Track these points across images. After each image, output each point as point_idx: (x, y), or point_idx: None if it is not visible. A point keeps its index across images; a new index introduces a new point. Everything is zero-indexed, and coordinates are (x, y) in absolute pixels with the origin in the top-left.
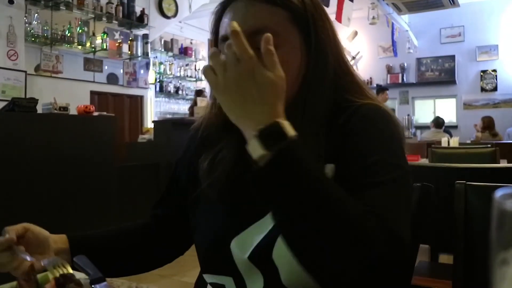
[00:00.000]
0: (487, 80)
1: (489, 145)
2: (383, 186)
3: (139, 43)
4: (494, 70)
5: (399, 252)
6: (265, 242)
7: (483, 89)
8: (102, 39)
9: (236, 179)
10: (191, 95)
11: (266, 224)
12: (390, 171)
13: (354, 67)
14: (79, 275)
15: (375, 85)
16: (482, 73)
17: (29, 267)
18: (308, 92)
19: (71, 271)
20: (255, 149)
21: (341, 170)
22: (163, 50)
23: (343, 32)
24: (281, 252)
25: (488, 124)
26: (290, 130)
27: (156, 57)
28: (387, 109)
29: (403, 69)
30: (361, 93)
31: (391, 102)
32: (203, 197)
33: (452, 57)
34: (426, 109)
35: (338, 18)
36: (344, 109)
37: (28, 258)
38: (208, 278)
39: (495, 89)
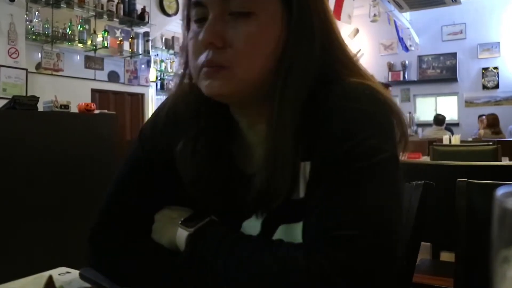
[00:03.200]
0: (489, 78)
1: (491, 143)
2: (348, 184)
3: (140, 41)
4: (496, 68)
5: (379, 263)
6: None
7: (484, 87)
8: (103, 37)
9: (219, 172)
10: None
11: (249, 231)
12: (363, 159)
13: None
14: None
15: None
16: (483, 71)
17: (48, 279)
18: (287, 70)
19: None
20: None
21: (314, 164)
22: (164, 48)
23: (344, 30)
24: None
25: (492, 122)
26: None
27: (157, 55)
28: (379, 89)
29: (404, 66)
30: (351, 69)
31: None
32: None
33: (453, 55)
34: (427, 107)
35: (337, 15)
36: (325, 87)
37: None
38: None
39: (496, 86)
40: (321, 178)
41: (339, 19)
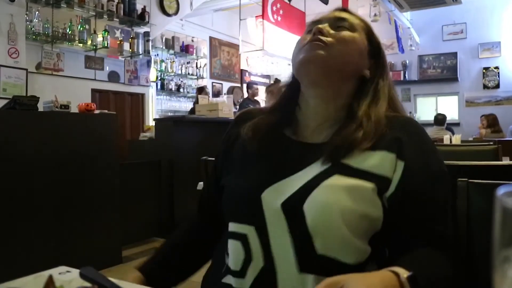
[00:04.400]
0: (489, 77)
1: (492, 143)
2: (442, 200)
3: (140, 41)
4: (497, 67)
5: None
6: (300, 192)
7: (485, 86)
8: (103, 37)
9: (275, 135)
10: (193, 93)
11: (303, 177)
12: (445, 180)
13: None
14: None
15: None
16: (484, 70)
17: (48, 278)
18: (375, 84)
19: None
20: None
21: (409, 175)
22: (164, 47)
23: None
24: (312, 203)
25: (492, 122)
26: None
27: (157, 54)
28: None
29: (405, 66)
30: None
31: None
32: (239, 155)
33: (454, 54)
34: (428, 107)
35: None
36: (391, 119)
37: None
38: (231, 226)
39: (497, 86)
40: (423, 188)
41: None
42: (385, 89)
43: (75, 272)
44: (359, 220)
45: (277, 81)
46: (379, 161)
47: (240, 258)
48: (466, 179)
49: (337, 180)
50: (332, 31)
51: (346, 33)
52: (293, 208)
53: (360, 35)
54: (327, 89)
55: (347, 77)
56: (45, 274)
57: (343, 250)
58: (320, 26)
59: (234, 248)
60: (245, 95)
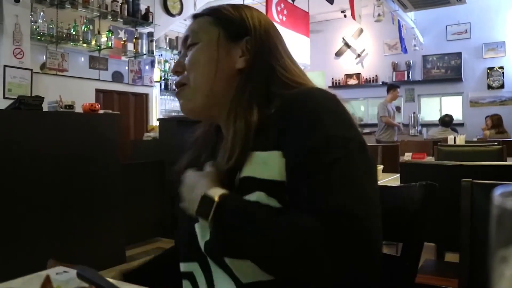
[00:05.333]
0: (494, 78)
1: (496, 143)
2: (323, 171)
3: (144, 41)
4: (501, 67)
5: (357, 239)
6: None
7: (489, 87)
8: (107, 37)
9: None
10: None
11: None
12: (333, 149)
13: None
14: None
15: (380, 83)
16: (488, 70)
17: (46, 278)
18: (238, 88)
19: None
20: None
21: (289, 156)
22: (168, 48)
23: (348, 30)
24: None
25: (497, 122)
26: (215, 193)
27: (161, 55)
28: (321, 89)
29: (409, 66)
30: (295, 82)
31: (397, 100)
32: None
33: (458, 54)
34: (432, 107)
35: (352, 15)
36: (274, 101)
37: None
38: (181, 266)
39: (502, 86)
40: (299, 168)
41: (354, 19)
42: (261, 72)
43: (72, 272)
44: None
45: None
46: (271, 164)
47: None
48: (470, 179)
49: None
50: (184, 60)
51: (190, 55)
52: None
53: (206, 37)
54: (220, 119)
55: (224, 90)
56: (42, 274)
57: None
58: (175, 63)
59: None
60: None
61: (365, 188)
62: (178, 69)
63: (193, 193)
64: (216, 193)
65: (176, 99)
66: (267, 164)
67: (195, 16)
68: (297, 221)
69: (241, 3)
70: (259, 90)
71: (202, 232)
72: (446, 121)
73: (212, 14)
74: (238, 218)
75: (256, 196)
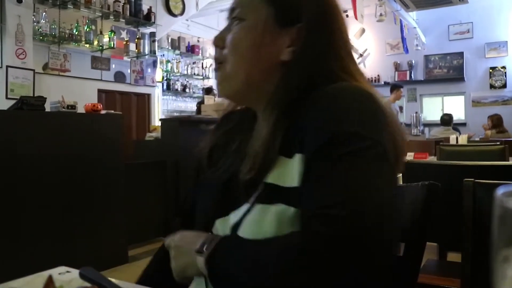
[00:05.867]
0: (496, 77)
1: (498, 143)
2: (328, 167)
3: (146, 41)
4: (504, 67)
5: (359, 250)
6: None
7: (492, 86)
8: (109, 38)
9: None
10: (198, 93)
11: (238, 213)
12: (344, 143)
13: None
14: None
15: (383, 83)
16: (491, 70)
17: (48, 279)
18: (281, 77)
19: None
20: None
21: (305, 156)
22: (170, 48)
23: (350, 30)
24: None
25: (496, 122)
26: (201, 264)
27: (163, 55)
28: (356, 86)
29: (411, 66)
30: (346, 72)
31: (399, 100)
32: (205, 179)
33: (460, 54)
34: (434, 107)
35: (355, 15)
36: (313, 89)
37: None
38: None
39: (504, 86)
40: (310, 168)
41: (356, 19)
42: (307, 68)
43: (75, 272)
44: None
45: None
46: (294, 169)
47: None
48: (472, 179)
49: (259, 213)
50: (226, 34)
51: (233, 33)
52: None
53: (253, 15)
54: (255, 107)
55: (261, 81)
56: (45, 274)
57: None
58: (215, 37)
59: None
60: None
61: (370, 188)
62: (218, 43)
63: (181, 262)
64: (201, 263)
65: (178, 99)
66: (291, 170)
67: None
68: (284, 247)
69: None
70: (302, 86)
71: (223, 228)
72: (446, 120)
73: None
74: (230, 272)
75: (275, 210)
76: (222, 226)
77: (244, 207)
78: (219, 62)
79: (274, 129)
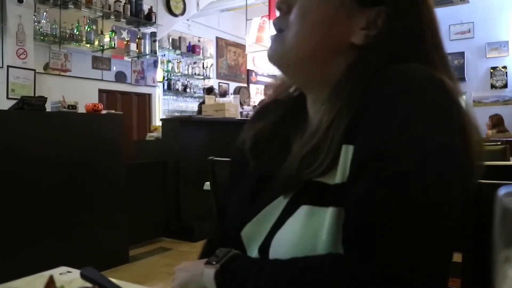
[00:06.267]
0: (497, 77)
1: (499, 143)
2: (384, 183)
3: (147, 41)
4: (505, 67)
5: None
6: (270, 235)
7: (493, 86)
8: (110, 37)
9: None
10: (199, 93)
11: (277, 207)
12: (411, 151)
13: None
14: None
15: None
16: (492, 70)
17: (49, 279)
18: (352, 62)
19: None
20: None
21: (358, 151)
22: (171, 48)
23: None
24: (273, 253)
25: (497, 122)
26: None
27: (164, 55)
28: (441, 78)
29: None
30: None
31: None
32: (242, 175)
33: (461, 54)
34: None
35: None
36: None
37: None
38: None
39: (505, 86)
40: (364, 168)
41: None
42: (382, 56)
43: (76, 272)
44: None
45: None
46: (341, 162)
47: None
48: None
49: (302, 215)
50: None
51: (303, 1)
52: (265, 254)
53: None
54: (311, 89)
55: (323, 61)
56: (45, 274)
57: None
58: (278, 2)
59: None
60: (250, 95)
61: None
62: (282, 7)
63: (181, 278)
64: (209, 277)
65: (179, 99)
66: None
67: None
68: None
69: (243, 4)
70: (371, 73)
71: (254, 235)
72: None
73: None
74: None
75: (328, 213)
76: (256, 227)
77: (282, 206)
78: (279, 28)
79: (337, 119)
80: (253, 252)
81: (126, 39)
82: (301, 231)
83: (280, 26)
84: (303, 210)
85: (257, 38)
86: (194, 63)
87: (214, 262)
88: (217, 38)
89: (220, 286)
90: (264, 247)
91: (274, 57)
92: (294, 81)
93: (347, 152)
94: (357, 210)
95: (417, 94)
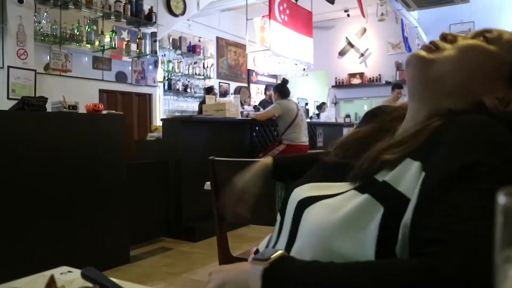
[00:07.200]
0: None
1: None
2: (466, 197)
3: (148, 41)
4: None
5: None
6: (314, 199)
7: None
8: (110, 38)
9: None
10: (200, 93)
11: (335, 187)
12: (481, 176)
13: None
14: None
15: (384, 82)
16: None
17: (50, 278)
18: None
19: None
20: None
21: (431, 170)
22: (171, 48)
23: (351, 29)
24: (307, 215)
25: None
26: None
27: (165, 55)
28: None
29: None
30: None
31: (400, 99)
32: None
33: None
34: None
35: (362, 13)
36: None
37: None
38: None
39: None
40: (439, 188)
41: (363, 16)
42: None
43: (77, 272)
44: (345, 243)
45: (285, 80)
46: (401, 171)
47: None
48: None
49: (345, 198)
50: (460, 40)
51: (474, 42)
52: (301, 209)
53: (497, 49)
54: (419, 103)
55: (450, 96)
56: (46, 274)
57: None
58: (450, 33)
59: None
60: (251, 94)
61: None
62: (448, 37)
63: (218, 278)
64: (255, 274)
65: (179, 99)
66: (407, 175)
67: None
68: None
69: (244, 4)
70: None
71: (304, 192)
72: None
73: None
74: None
75: (363, 198)
76: (304, 191)
77: (343, 189)
78: (438, 47)
79: (424, 129)
80: (294, 202)
81: (127, 39)
82: (323, 212)
83: (437, 48)
84: (349, 194)
85: (260, 39)
86: (195, 63)
87: (262, 260)
88: (217, 38)
89: (266, 283)
90: (302, 203)
91: (418, 62)
92: (410, 85)
93: (409, 165)
94: (441, 222)
95: (491, 135)
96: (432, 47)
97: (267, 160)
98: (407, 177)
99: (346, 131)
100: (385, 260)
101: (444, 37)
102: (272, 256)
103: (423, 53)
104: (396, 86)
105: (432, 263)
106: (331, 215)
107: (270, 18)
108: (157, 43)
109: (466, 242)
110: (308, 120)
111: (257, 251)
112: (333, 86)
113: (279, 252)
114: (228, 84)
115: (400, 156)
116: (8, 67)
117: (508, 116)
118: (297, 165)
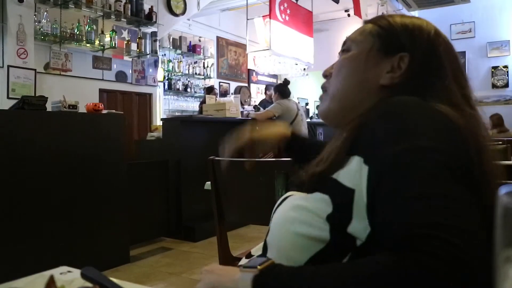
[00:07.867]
0: (498, 77)
1: (500, 142)
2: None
3: (148, 41)
4: (506, 66)
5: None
6: (282, 199)
7: (494, 86)
8: (110, 37)
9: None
10: (200, 93)
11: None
12: (422, 161)
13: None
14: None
15: None
16: (493, 69)
17: (50, 278)
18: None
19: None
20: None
21: (373, 164)
22: (171, 47)
23: (352, 29)
24: (273, 219)
25: (497, 122)
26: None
27: (165, 54)
28: (441, 109)
29: None
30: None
31: None
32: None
33: (462, 54)
34: None
35: (358, 13)
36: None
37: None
38: None
39: (506, 85)
40: (383, 180)
41: (360, 17)
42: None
43: (76, 272)
44: (303, 241)
45: (286, 81)
46: (352, 169)
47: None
48: None
49: (295, 197)
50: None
51: (337, 62)
52: (276, 208)
53: (358, 47)
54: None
55: (358, 107)
56: (46, 274)
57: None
58: (325, 70)
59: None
60: (251, 94)
61: (460, 211)
62: (326, 73)
63: (209, 280)
64: (245, 281)
65: (179, 99)
66: (349, 169)
67: (364, 22)
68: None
69: (244, 4)
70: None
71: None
72: None
73: (375, 22)
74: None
75: (319, 197)
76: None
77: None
78: (325, 89)
79: (347, 140)
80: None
81: (127, 39)
82: (283, 211)
83: (325, 87)
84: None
85: (264, 40)
86: (195, 62)
87: (251, 267)
88: (217, 37)
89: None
90: (279, 204)
91: (320, 115)
92: (332, 125)
93: (351, 160)
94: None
95: (422, 118)
96: (322, 94)
97: (285, 127)
98: (348, 171)
99: None
100: (367, 259)
101: (325, 76)
102: (262, 264)
103: (320, 108)
104: None
105: (416, 257)
106: (293, 207)
107: (270, 18)
108: (157, 42)
109: (446, 233)
110: (308, 120)
111: (249, 255)
112: None
113: (269, 260)
114: (228, 84)
115: (327, 167)
116: (8, 66)
117: (410, 83)
118: (308, 146)
